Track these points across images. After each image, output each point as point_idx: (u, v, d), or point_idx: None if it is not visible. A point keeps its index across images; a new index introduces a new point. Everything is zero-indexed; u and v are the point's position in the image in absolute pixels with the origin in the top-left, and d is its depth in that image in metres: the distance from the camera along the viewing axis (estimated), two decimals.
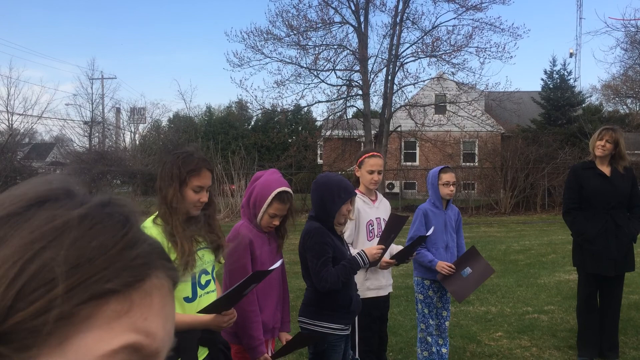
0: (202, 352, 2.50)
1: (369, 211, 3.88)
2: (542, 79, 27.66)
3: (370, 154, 3.90)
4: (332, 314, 3.17)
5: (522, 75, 64.85)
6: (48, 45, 65.83)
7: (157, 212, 2.45)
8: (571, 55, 34.87)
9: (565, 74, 27.35)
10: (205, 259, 2.50)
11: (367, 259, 3.27)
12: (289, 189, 2.89)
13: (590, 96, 32.53)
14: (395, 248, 3.99)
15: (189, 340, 2.35)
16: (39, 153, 40.84)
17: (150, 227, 2.36)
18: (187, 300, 2.42)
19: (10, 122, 37.56)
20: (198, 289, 2.47)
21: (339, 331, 3.21)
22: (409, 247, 3.81)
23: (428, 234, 3.91)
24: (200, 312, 2.35)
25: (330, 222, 3.17)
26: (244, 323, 2.74)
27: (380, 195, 4.07)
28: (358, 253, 3.29)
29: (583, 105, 27.85)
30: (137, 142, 36.71)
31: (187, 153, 2.46)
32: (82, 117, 39.54)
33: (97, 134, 39.65)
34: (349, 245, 3.76)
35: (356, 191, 3.90)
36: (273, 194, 2.81)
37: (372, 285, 3.83)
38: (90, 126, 39.13)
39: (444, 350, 4.47)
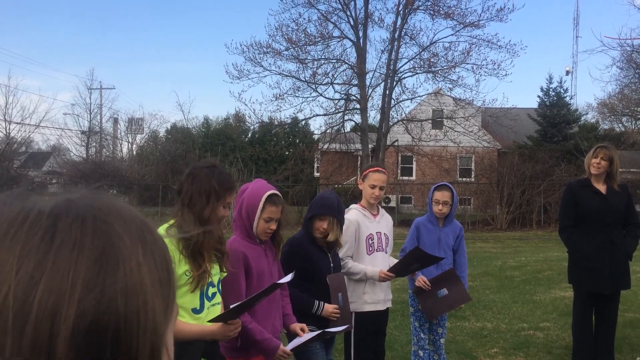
0: None
1: (369, 225, 3.90)
2: (539, 96, 27.84)
3: (375, 168, 3.94)
4: (304, 318, 3.25)
5: (518, 92, 65.33)
6: (47, 54, 66.09)
7: (171, 222, 2.47)
8: (567, 73, 35.20)
9: (562, 91, 27.56)
10: (213, 271, 2.53)
11: (320, 312, 3.38)
12: (277, 192, 2.94)
13: (587, 114, 32.80)
14: (392, 261, 4.02)
15: (194, 351, 2.38)
16: (36, 162, 40.74)
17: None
18: (195, 311, 2.45)
19: (8, 131, 37.52)
20: (205, 300, 2.50)
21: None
22: (404, 260, 3.83)
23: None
24: (211, 321, 2.40)
25: (309, 232, 3.42)
26: (244, 334, 2.74)
27: (382, 210, 4.09)
28: (318, 301, 3.38)
29: (579, 122, 28.03)
30: (135, 153, 36.73)
31: (219, 169, 2.53)
32: (80, 127, 39.60)
33: (94, 144, 39.67)
34: (349, 258, 3.79)
35: (357, 205, 3.98)
36: (264, 198, 2.86)
37: (369, 299, 3.84)
38: (88, 136, 39.14)
39: None
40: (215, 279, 2.56)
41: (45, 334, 0.45)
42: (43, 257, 0.46)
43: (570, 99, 29.66)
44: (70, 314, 0.45)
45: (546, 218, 21.48)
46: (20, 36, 65.42)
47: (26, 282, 0.45)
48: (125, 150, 39.10)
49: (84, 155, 36.05)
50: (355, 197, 4.37)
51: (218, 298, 2.59)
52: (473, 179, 25.12)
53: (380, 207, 4.10)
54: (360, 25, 22.57)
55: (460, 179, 25.71)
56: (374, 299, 3.86)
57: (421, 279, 4.20)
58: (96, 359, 0.46)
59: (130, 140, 39.35)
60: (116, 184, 24.38)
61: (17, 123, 37.15)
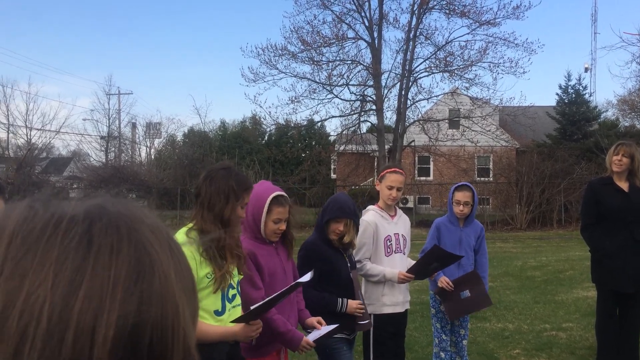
0: None
1: (387, 227, 3.88)
2: (557, 94, 27.51)
3: (392, 169, 3.91)
4: (327, 319, 3.27)
5: (536, 90, 64.60)
6: (66, 61, 67.02)
7: (190, 225, 2.49)
8: (586, 70, 34.69)
9: (581, 88, 27.20)
10: (233, 273, 2.56)
11: (344, 309, 3.41)
12: (283, 192, 2.95)
13: (606, 111, 32.20)
14: (410, 263, 3.99)
15: (220, 352, 2.41)
16: (57, 167, 41.34)
17: (183, 242, 2.40)
18: (217, 313, 2.48)
19: (29, 137, 38.20)
20: (226, 302, 2.52)
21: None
22: (423, 259, 3.80)
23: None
24: (233, 321, 2.43)
25: (324, 234, 3.42)
26: (269, 327, 2.75)
27: (399, 211, 4.07)
28: (341, 299, 3.39)
29: (599, 120, 27.61)
30: (153, 157, 37.11)
31: (235, 170, 2.56)
32: (99, 132, 40.10)
33: (113, 149, 40.14)
34: (367, 260, 3.78)
35: (375, 206, 3.96)
36: (269, 200, 2.87)
37: (388, 301, 3.82)
38: (107, 141, 39.62)
39: None
40: (235, 280, 2.58)
41: (86, 341, 0.44)
42: (82, 262, 0.46)
43: (590, 96, 29.26)
44: (112, 321, 0.44)
45: (567, 217, 21.19)
46: (40, 43, 66.53)
47: (66, 287, 0.45)
48: (143, 154, 39.56)
49: (104, 160, 36.52)
50: (372, 198, 4.34)
51: (238, 300, 2.62)
52: (491, 179, 24.89)
53: (397, 207, 4.07)
54: (375, 26, 22.53)
55: (478, 178, 25.49)
56: (392, 300, 3.84)
57: (444, 280, 4.17)
58: None
59: (149, 145, 39.80)
60: (135, 188, 24.63)
61: (38, 129, 37.82)
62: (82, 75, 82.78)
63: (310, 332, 3.07)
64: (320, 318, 3.11)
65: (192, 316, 0.51)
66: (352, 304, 3.42)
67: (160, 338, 0.47)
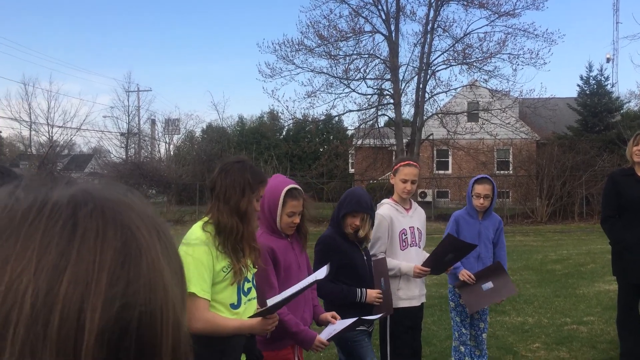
0: (241, 359, 2.56)
1: (402, 220, 3.86)
2: (579, 85, 27.06)
3: (406, 162, 3.89)
4: (347, 311, 3.28)
5: (557, 81, 63.71)
6: (86, 59, 67.83)
7: (206, 219, 2.50)
8: (608, 60, 34.02)
9: (602, 79, 26.71)
10: (250, 266, 2.57)
11: (364, 299, 3.43)
12: (297, 185, 2.96)
13: (629, 102, 31.56)
14: (425, 256, 3.96)
15: (236, 345, 2.42)
16: (78, 164, 41.95)
17: (200, 235, 2.43)
18: (233, 306, 2.49)
19: (51, 135, 38.81)
20: (242, 295, 2.53)
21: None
22: (437, 250, 3.74)
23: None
24: (252, 316, 2.45)
25: (340, 228, 3.43)
26: (280, 327, 2.75)
27: (414, 204, 4.04)
28: (360, 289, 3.42)
29: (621, 111, 27.10)
30: (172, 153, 37.40)
31: (249, 163, 2.58)
32: (119, 129, 40.55)
33: (133, 145, 40.55)
34: (382, 254, 3.77)
35: (390, 200, 3.95)
36: (283, 193, 2.88)
37: (404, 295, 3.80)
38: (127, 137, 40.04)
39: None
40: (250, 274, 2.59)
41: (72, 326, 0.43)
42: (66, 246, 0.45)
43: (612, 87, 28.71)
44: (98, 306, 0.44)
45: (589, 210, 20.89)
46: (60, 41, 67.42)
47: (50, 271, 0.44)
48: (162, 150, 39.87)
49: (124, 157, 36.90)
50: (390, 192, 4.33)
51: (254, 293, 2.62)
52: (511, 172, 24.62)
53: (412, 200, 4.05)
54: (392, 19, 22.37)
55: (497, 171, 25.23)
56: (408, 294, 3.82)
57: (465, 273, 4.14)
58: (123, 350, 0.45)
59: (168, 141, 40.12)
60: (155, 184, 24.88)
61: (59, 127, 38.40)
62: (102, 73, 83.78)
63: (325, 328, 3.06)
64: (334, 313, 3.11)
65: (181, 300, 0.51)
66: (372, 293, 3.45)
67: (149, 322, 0.46)
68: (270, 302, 2.49)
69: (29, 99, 41.42)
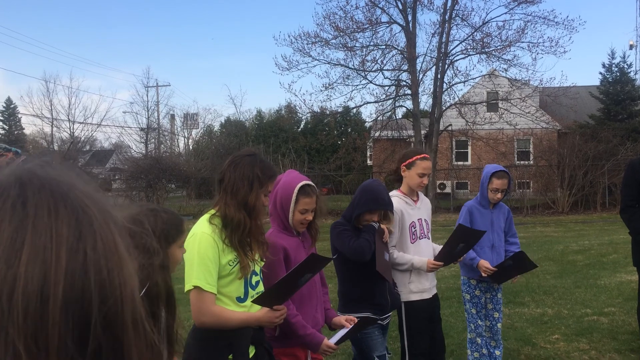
0: (250, 351, 2.54)
1: (411, 212, 3.78)
2: (601, 73, 26.54)
3: (422, 155, 3.79)
4: (358, 305, 3.26)
5: (578, 69, 62.34)
6: (105, 55, 68.62)
7: (212, 211, 2.47)
8: (631, 47, 33.24)
9: (625, 66, 26.15)
10: (257, 260, 2.55)
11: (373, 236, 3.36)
12: (310, 182, 2.90)
13: None
14: (435, 247, 3.91)
15: (243, 337, 2.40)
16: (99, 160, 42.52)
17: (206, 227, 2.40)
18: (240, 300, 2.47)
19: (72, 131, 39.37)
20: (249, 289, 2.51)
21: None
22: (449, 241, 3.67)
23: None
24: (254, 301, 2.41)
25: (352, 223, 3.36)
26: (287, 329, 2.72)
27: (421, 195, 3.97)
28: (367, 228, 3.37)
29: None
30: (191, 147, 37.69)
31: (260, 157, 2.54)
32: (139, 124, 40.95)
33: (152, 140, 40.94)
34: (393, 248, 3.72)
35: (398, 192, 3.86)
36: (296, 190, 2.81)
37: (415, 288, 3.74)
38: (147, 132, 40.43)
39: (497, 352, 4.38)
40: (257, 267, 2.57)
41: (36, 301, 0.43)
42: (21, 222, 0.45)
43: (635, 74, 28.08)
44: (60, 279, 0.44)
45: (611, 200, 20.51)
46: (80, 38, 68.22)
47: (7, 248, 0.44)
48: (182, 145, 40.22)
49: (144, 152, 37.29)
50: (401, 182, 4.21)
51: (261, 286, 2.60)
52: (532, 162, 24.29)
53: (419, 191, 3.97)
54: (409, 9, 22.17)
55: (518, 162, 24.92)
56: (419, 288, 3.75)
57: (482, 266, 4.10)
58: (88, 322, 0.45)
59: (187, 135, 40.42)
60: (174, 179, 25.08)
61: (80, 123, 38.94)
62: (121, 69, 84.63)
63: (337, 331, 2.98)
64: (349, 317, 3.03)
65: (137, 273, 0.51)
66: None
67: (109, 291, 0.47)
68: (271, 286, 2.45)
69: (50, 96, 42.05)
